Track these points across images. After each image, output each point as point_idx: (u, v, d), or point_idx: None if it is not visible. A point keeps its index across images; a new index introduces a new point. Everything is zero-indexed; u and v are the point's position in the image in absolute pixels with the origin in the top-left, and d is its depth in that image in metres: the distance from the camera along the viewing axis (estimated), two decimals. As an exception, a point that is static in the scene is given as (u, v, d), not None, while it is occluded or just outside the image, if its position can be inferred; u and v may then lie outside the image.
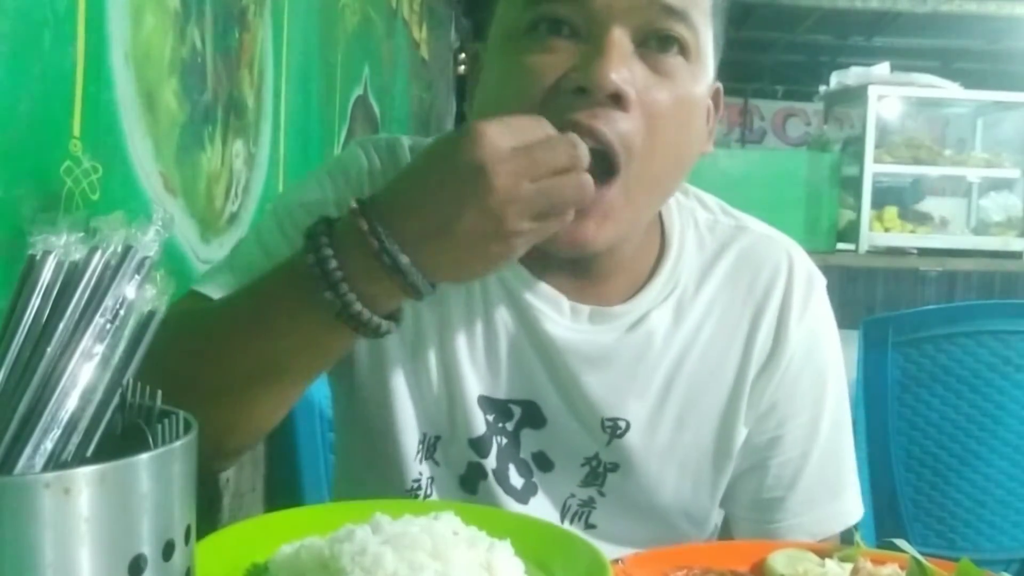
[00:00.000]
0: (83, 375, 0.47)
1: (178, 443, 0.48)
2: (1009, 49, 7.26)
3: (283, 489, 1.58)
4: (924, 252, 4.39)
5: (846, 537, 0.91)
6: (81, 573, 0.43)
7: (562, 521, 0.90)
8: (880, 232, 4.47)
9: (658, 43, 0.74)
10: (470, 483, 0.90)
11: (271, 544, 0.70)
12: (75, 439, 0.47)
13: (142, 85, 1.10)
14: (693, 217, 0.92)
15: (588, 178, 0.69)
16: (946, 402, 1.92)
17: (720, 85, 0.85)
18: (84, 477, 0.43)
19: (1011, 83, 5.26)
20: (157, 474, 0.46)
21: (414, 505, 0.81)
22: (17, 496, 0.42)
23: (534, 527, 0.77)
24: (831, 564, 0.76)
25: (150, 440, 0.50)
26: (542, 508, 0.90)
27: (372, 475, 0.91)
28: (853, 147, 4.54)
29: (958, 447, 1.93)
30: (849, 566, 0.76)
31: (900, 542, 0.75)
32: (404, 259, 0.67)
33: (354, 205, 0.69)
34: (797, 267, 0.91)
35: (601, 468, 0.89)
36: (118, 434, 0.50)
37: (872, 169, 4.37)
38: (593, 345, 0.86)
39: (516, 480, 0.89)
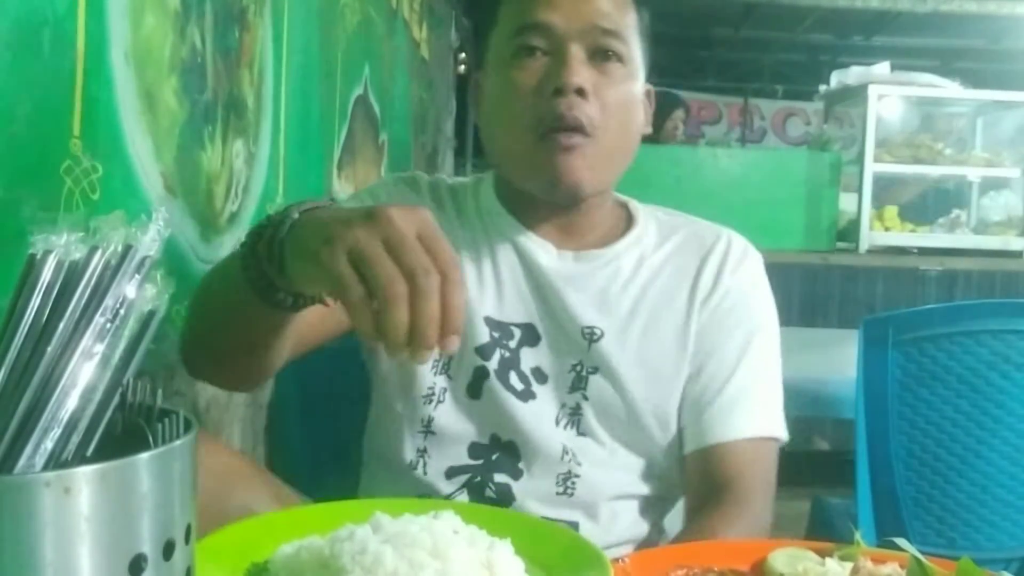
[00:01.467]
0: (83, 374, 0.47)
1: (178, 442, 0.48)
2: (1009, 48, 7.26)
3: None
4: (924, 251, 4.38)
5: (847, 536, 0.91)
6: (81, 572, 0.43)
7: (556, 426, 1.08)
8: (880, 231, 4.47)
9: (602, 55, 1.06)
10: (475, 388, 1.09)
11: (271, 544, 0.70)
12: (75, 438, 0.47)
13: (142, 85, 1.11)
14: (655, 216, 1.21)
15: (404, 312, 0.69)
16: (946, 401, 1.92)
17: (651, 87, 1.16)
18: (84, 476, 0.43)
19: (1011, 82, 5.26)
20: (157, 473, 0.46)
21: (414, 504, 0.81)
22: (17, 495, 0.42)
23: (534, 527, 0.77)
24: (831, 563, 0.76)
25: (150, 439, 0.50)
26: (539, 412, 1.08)
27: (394, 386, 1.11)
28: (853, 146, 4.54)
29: (958, 446, 1.92)
30: (849, 565, 0.76)
31: (900, 541, 0.75)
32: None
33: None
34: (735, 242, 1.18)
35: (584, 371, 1.09)
36: (118, 433, 0.50)
37: (872, 168, 4.37)
38: (575, 272, 1.12)
39: (516, 383, 1.09)
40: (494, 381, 1.08)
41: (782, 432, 1.12)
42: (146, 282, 0.49)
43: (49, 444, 0.46)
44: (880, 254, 4.36)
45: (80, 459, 0.47)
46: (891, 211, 4.53)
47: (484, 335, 1.09)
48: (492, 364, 1.08)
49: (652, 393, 1.09)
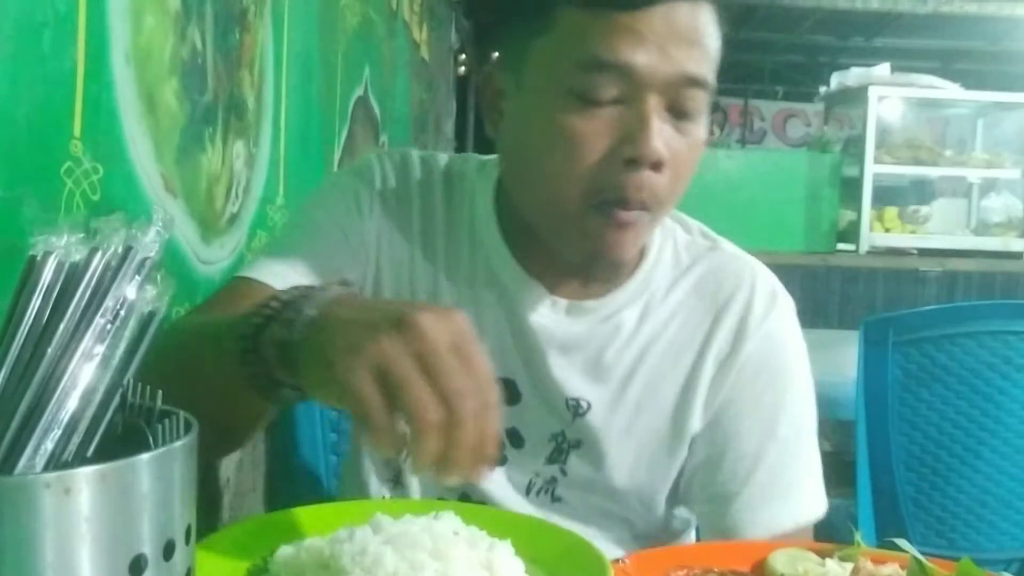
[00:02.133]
0: (83, 375, 0.47)
1: (178, 443, 0.48)
2: (1009, 50, 7.26)
3: (283, 489, 1.58)
4: (924, 252, 4.38)
5: (847, 536, 0.91)
6: (82, 573, 0.43)
7: (527, 495, 0.97)
8: (880, 233, 4.47)
9: (683, 108, 0.85)
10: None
11: (271, 544, 0.70)
12: (76, 439, 0.47)
13: (143, 86, 1.11)
14: (673, 236, 1.02)
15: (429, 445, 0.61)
16: (946, 402, 1.92)
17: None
18: (85, 477, 0.43)
19: (1011, 84, 5.26)
20: (157, 474, 0.46)
21: (414, 505, 0.81)
22: (18, 496, 0.42)
23: (534, 527, 0.77)
24: (831, 564, 0.76)
25: (150, 440, 0.50)
26: (510, 479, 0.97)
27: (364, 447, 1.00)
28: (853, 148, 4.54)
29: (958, 447, 1.93)
30: (849, 566, 0.76)
31: (901, 542, 0.75)
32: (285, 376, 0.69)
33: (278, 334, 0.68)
34: (760, 282, 0.99)
35: (565, 444, 0.97)
36: (118, 434, 0.50)
37: (872, 170, 4.37)
38: (565, 333, 0.96)
39: None
40: None
41: (822, 507, 0.97)
42: (146, 283, 0.49)
43: (49, 445, 0.46)
44: (880, 255, 4.36)
45: (80, 460, 0.47)
46: (891, 212, 4.53)
47: None
48: None
49: (640, 474, 0.97)
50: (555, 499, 0.97)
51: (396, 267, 0.99)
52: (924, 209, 4.64)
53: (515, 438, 0.97)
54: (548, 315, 0.96)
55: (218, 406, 0.73)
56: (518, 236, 0.96)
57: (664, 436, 0.96)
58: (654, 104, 0.83)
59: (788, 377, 0.98)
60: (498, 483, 0.96)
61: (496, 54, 0.94)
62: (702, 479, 0.97)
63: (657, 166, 0.83)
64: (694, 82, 0.84)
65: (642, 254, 0.99)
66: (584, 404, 0.95)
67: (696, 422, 0.96)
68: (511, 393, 0.96)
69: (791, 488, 0.95)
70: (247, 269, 0.95)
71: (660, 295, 0.98)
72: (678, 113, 0.85)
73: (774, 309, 0.98)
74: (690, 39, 0.83)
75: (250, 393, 0.71)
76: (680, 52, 0.82)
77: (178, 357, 0.74)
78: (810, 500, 0.96)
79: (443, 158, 1.05)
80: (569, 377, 0.95)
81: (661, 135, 0.83)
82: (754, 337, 0.96)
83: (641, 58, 0.81)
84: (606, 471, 0.96)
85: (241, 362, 0.70)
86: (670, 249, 1.00)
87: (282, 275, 0.91)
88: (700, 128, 0.87)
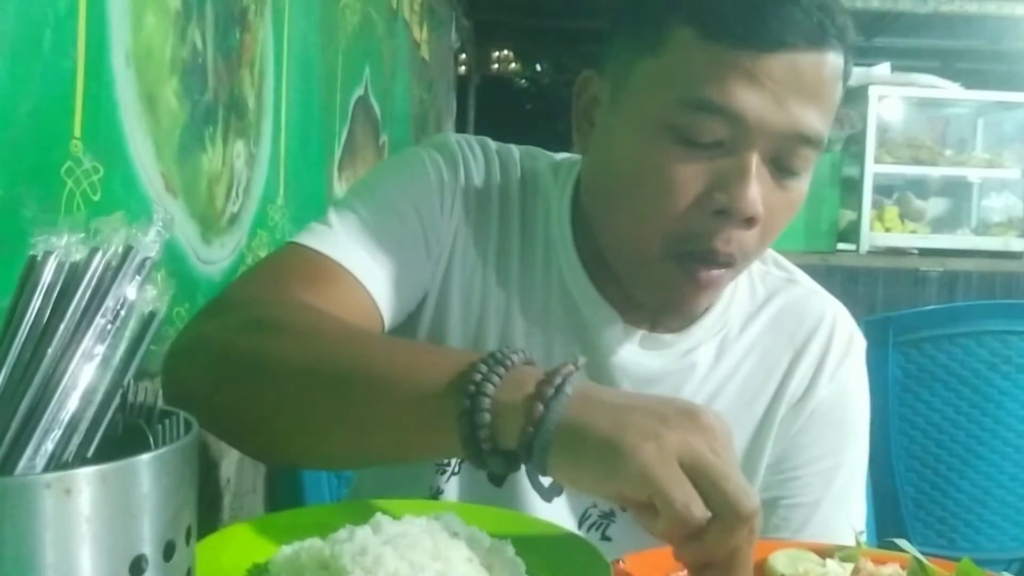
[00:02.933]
0: (84, 376, 0.47)
1: (179, 443, 0.48)
2: (1010, 49, 7.25)
3: (283, 489, 1.58)
4: (925, 252, 4.38)
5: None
6: (82, 573, 0.43)
7: (579, 528, 0.91)
8: (881, 232, 4.47)
9: (791, 164, 0.79)
10: (499, 475, 0.89)
11: (271, 544, 0.70)
12: (76, 440, 0.47)
13: (143, 85, 1.10)
14: (748, 267, 0.95)
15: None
16: (947, 402, 1.92)
17: None
18: (85, 477, 0.43)
19: (1012, 83, 5.25)
20: (158, 474, 0.46)
21: (415, 505, 0.81)
22: (18, 496, 0.42)
23: (535, 527, 0.77)
24: (832, 564, 0.76)
25: (151, 440, 0.50)
26: (563, 511, 0.91)
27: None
28: (854, 147, 4.54)
29: (959, 447, 1.93)
30: (850, 566, 0.76)
31: (901, 542, 0.75)
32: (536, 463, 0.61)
33: (539, 409, 0.60)
34: (840, 325, 0.96)
35: None
36: (119, 434, 0.50)
37: (873, 169, 4.37)
38: (639, 367, 0.91)
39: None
40: (522, 475, 0.89)
41: None
42: (147, 283, 0.49)
43: (50, 445, 0.46)
44: (880, 255, 4.36)
45: (81, 460, 0.47)
46: (891, 212, 4.53)
47: None
48: None
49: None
50: (605, 538, 0.92)
51: (468, 275, 0.92)
52: (923, 204, 4.63)
53: None
54: (623, 345, 0.90)
55: (368, 447, 0.68)
56: (593, 256, 0.90)
57: None
58: (758, 156, 0.77)
59: (853, 428, 0.95)
60: (553, 511, 0.90)
61: (607, 59, 0.86)
62: None
63: (750, 221, 0.78)
64: (806, 139, 0.77)
65: None
66: None
67: (764, 459, 0.92)
68: None
69: (836, 542, 0.90)
70: (305, 236, 0.85)
71: (736, 330, 0.94)
72: (782, 168, 0.79)
73: (850, 355, 0.94)
74: (810, 93, 0.77)
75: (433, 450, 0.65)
76: (798, 106, 0.76)
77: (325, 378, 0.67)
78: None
79: (517, 154, 0.97)
80: None
81: (760, 189, 0.77)
82: (828, 383, 0.93)
83: (754, 106, 0.75)
84: None
85: (456, 426, 0.61)
86: (745, 280, 0.95)
87: (347, 250, 0.83)
88: (803, 185, 0.81)
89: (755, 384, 0.93)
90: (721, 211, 0.77)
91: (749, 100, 0.75)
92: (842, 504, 0.94)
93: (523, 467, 0.73)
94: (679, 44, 0.77)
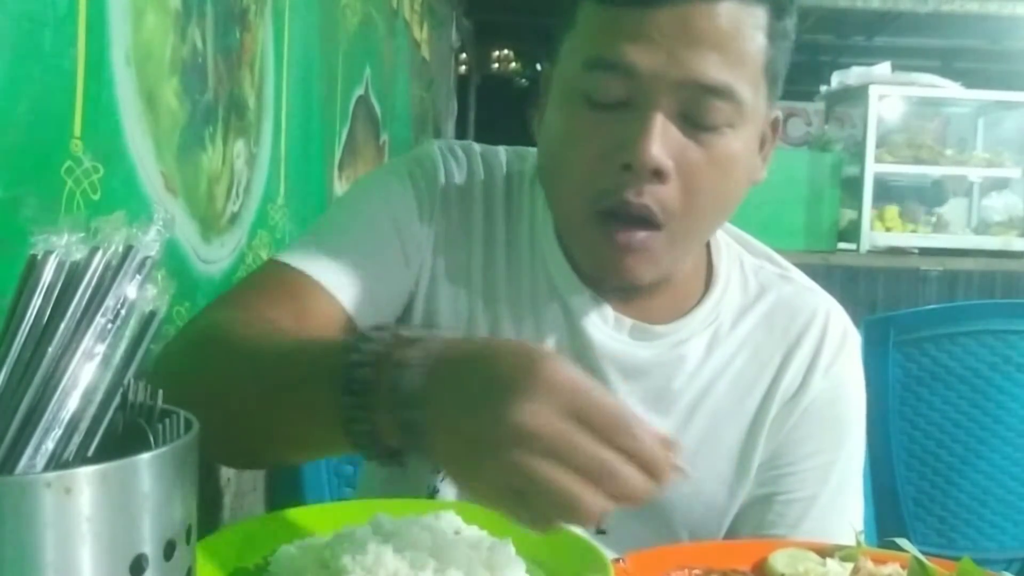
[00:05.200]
0: (84, 375, 0.47)
1: (179, 442, 0.48)
2: (1010, 49, 7.25)
3: (283, 489, 1.58)
4: (925, 252, 4.38)
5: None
6: (82, 573, 0.43)
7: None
8: (881, 232, 4.47)
9: (700, 119, 0.79)
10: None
11: (271, 544, 0.70)
12: (76, 439, 0.47)
13: (143, 85, 1.10)
14: (740, 260, 0.98)
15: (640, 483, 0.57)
16: (947, 401, 1.92)
17: (779, 114, 0.90)
18: (85, 477, 0.43)
19: (1012, 82, 5.25)
20: (158, 474, 0.46)
21: (415, 505, 0.81)
22: (18, 496, 0.42)
23: (535, 527, 0.77)
24: (832, 564, 0.76)
25: (151, 440, 0.50)
26: None
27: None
28: (854, 147, 4.54)
29: (959, 446, 1.93)
30: (850, 565, 0.76)
31: (901, 541, 0.75)
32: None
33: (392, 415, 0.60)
34: (833, 321, 0.95)
35: None
36: (119, 434, 0.50)
37: (873, 169, 4.37)
38: (629, 357, 0.91)
39: None
40: None
41: None
42: (147, 283, 0.49)
43: (50, 444, 0.46)
44: (881, 254, 4.36)
45: (81, 459, 0.47)
46: (892, 211, 4.53)
47: None
48: None
49: (696, 511, 0.92)
50: (600, 531, 0.91)
51: (454, 276, 0.93)
52: (929, 209, 4.64)
53: None
54: (612, 336, 0.91)
55: (283, 440, 0.69)
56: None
57: (726, 476, 0.92)
58: (661, 110, 0.78)
59: (848, 425, 0.95)
60: None
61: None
62: (750, 515, 0.94)
63: (659, 175, 0.78)
64: (710, 90, 0.78)
65: (711, 278, 0.95)
66: None
67: (757, 457, 0.93)
68: None
69: (832, 539, 0.88)
70: (287, 253, 0.88)
71: (728, 324, 0.94)
72: (695, 123, 0.79)
73: (843, 351, 0.94)
74: (707, 43, 0.77)
75: (338, 444, 0.62)
76: (692, 57, 0.77)
77: (251, 377, 0.70)
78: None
79: (503, 155, 0.99)
80: (631, 404, 0.88)
81: (666, 143, 0.78)
82: (822, 379, 0.93)
83: (645, 59, 0.77)
84: (661, 506, 0.91)
85: (347, 419, 0.61)
86: (737, 274, 0.96)
87: (326, 267, 0.86)
88: (729, 141, 0.81)
89: (747, 380, 0.93)
90: (626, 165, 0.79)
91: (640, 55, 0.77)
92: (839, 499, 0.94)
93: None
94: (585, 15, 0.81)
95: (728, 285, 0.95)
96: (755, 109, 0.82)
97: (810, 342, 0.94)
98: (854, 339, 0.97)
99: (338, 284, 0.85)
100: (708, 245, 0.96)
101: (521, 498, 0.55)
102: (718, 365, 0.93)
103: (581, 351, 0.91)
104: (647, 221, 0.81)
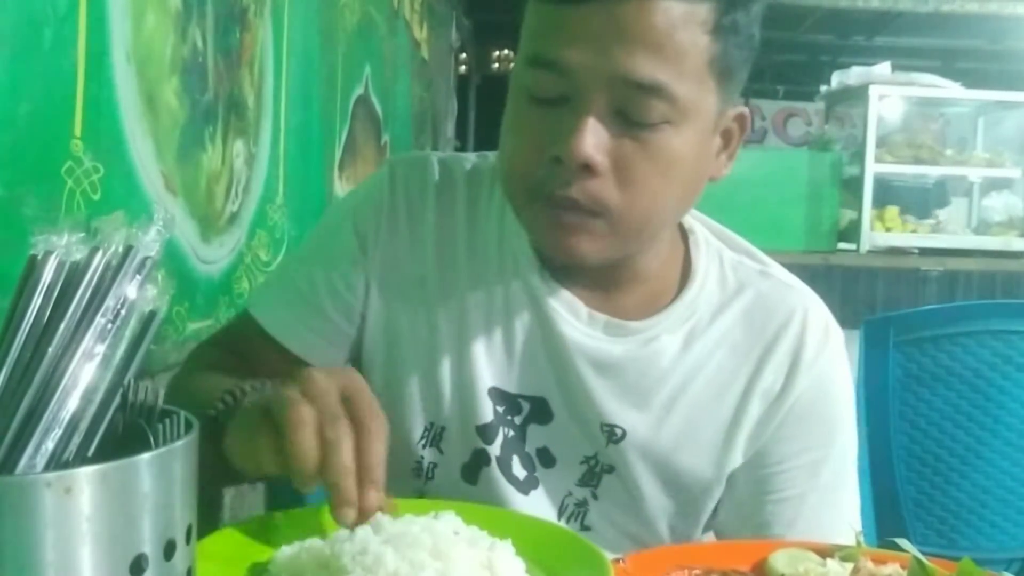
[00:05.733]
0: (84, 375, 0.47)
1: (179, 443, 0.48)
2: (1010, 49, 7.25)
3: (283, 489, 1.58)
4: (925, 252, 4.38)
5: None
6: (82, 572, 0.43)
7: (559, 519, 0.93)
8: (881, 232, 4.47)
9: (633, 115, 0.79)
10: (472, 471, 0.93)
11: (271, 544, 0.70)
12: (76, 439, 0.47)
13: (143, 85, 1.11)
14: (719, 255, 0.96)
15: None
16: (947, 402, 1.92)
17: (745, 110, 0.89)
18: (85, 477, 0.43)
19: (1012, 83, 5.25)
20: (158, 474, 0.46)
21: (415, 505, 0.81)
22: (18, 496, 0.42)
23: (535, 527, 0.77)
24: (832, 564, 0.76)
25: (151, 440, 0.50)
26: (541, 503, 0.93)
27: None
28: (854, 147, 4.54)
29: (959, 447, 1.93)
30: (850, 566, 0.76)
31: (901, 541, 0.75)
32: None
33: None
34: (813, 316, 0.94)
35: (598, 468, 0.92)
36: (119, 434, 0.50)
37: (873, 169, 4.38)
38: (603, 353, 0.91)
39: (519, 471, 0.93)
40: (495, 470, 0.92)
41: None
42: (147, 283, 0.49)
43: (50, 444, 0.46)
44: (881, 255, 4.36)
45: (81, 460, 0.47)
46: (892, 212, 4.53)
47: (488, 412, 0.92)
48: (494, 449, 0.92)
49: (673, 504, 0.93)
50: (585, 527, 0.93)
51: (408, 289, 0.95)
52: (929, 209, 4.64)
53: (545, 458, 0.93)
54: (585, 332, 0.91)
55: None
56: None
57: (702, 473, 0.92)
58: (595, 106, 0.78)
59: (836, 421, 0.94)
60: (531, 504, 0.92)
61: None
62: (742, 516, 0.94)
63: (589, 169, 0.79)
64: (642, 87, 0.77)
65: (688, 273, 0.95)
66: (619, 431, 0.91)
67: (736, 459, 0.92)
68: (543, 412, 0.92)
69: (831, 534, 0.89)
70: (255, 304, 1.00)
71: (705, 320, 0.93)
72: (631, 120, 0.79)
73: (827, 347, 0.93)
74: (639, 40, 0.77)
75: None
76: (622, 54, 0.77)
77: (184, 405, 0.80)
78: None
79: (469, 159, 1.00)
80: (606, 400, 0.91)
81: (598, 138, 0.79)
82: (806, 377, 0.92)
83: (576, 57, 0.78)
84: (639, 498, 0.92)
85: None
86: (716, 269, 0.95)
87: (274, 316, 0.97)
88: (667, 138, 0.80)
89: (724, 377, 0.92)
90: (556, 159, 0.80)
91: (571, 53, 0.78)
92: (831, 496, 0.94)
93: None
94: (530, 13, 0.83)
95: (706, 281, 0.94)
96: (699, 106, 0.81)
97: (789, 340, 0.93)
98: (837, 334, 0.96)
99: (289, 334, 0.96)
100: (686, 241, 0.96)
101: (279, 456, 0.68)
102: (695, 361, 0.92)
103: (554, 348, 0.91)
104: (584, 210, 0.82)
